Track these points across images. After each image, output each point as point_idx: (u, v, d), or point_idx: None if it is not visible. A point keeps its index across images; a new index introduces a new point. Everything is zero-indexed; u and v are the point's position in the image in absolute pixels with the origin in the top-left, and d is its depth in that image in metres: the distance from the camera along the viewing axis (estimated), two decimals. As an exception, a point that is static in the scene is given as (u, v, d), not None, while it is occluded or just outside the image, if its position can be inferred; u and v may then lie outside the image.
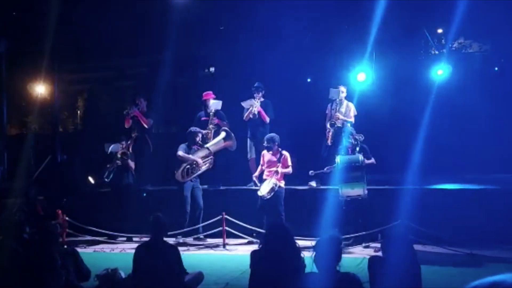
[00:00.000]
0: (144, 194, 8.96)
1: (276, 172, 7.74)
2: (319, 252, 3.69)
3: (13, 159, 10.66)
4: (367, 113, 9.06)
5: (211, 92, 9.18)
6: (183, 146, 8.39)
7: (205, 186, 9.04)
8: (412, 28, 9.75)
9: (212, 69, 11.60)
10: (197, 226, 8.15)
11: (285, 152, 7.90)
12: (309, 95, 10.07)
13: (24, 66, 11.85)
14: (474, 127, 9.18)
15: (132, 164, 8.82)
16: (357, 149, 7.50)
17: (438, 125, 8.77)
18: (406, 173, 8.20)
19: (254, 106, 8.83)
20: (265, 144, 7.96)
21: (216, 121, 8.97)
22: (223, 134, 8.57)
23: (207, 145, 8.45)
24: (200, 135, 8.49)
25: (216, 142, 8.55)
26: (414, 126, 8.54)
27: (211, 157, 8.43)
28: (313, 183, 8.61)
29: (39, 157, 10.75)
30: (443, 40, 9.73)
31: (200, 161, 8.30)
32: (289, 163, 7.89)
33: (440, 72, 8.76)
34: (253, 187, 8.51)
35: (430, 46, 9.81)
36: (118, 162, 8.70)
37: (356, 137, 7.58)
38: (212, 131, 8.90)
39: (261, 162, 8.08)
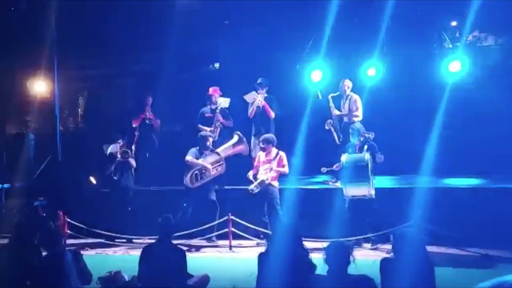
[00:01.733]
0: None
1: (271, 169, 7.64)
2: (329, 256, 3.69)
3: (12, 158, 10.47)
4: (377, 109, 8.87)
5: (218, 88, 9.00)
6: (193, 150, 8.13)
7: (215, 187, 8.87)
8: (424, 21, 9.58)
9: (216, 65, 11.45)
10: (209, 225, 7.95)
11: (281, 152, 7.80)
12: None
13: (23, 64, 11.67)
14: (490, 123, 8.94)
15: (133, 162, 8.60)
16: (365, 147, 7.30)
17: (453, 122, 8.57)
18: (419, 172, 8.05)
19: (257, 99, 8.61)
20: (260, 145, 7.88)
21: (220, 118, 8.74)
22: (235, 139, 8.35)
23: (218, 150, 8.18)
24: (210, 139, 8.22)
25: (227, 147, 8.30)
26: (427, 122, 8.33)
27: (222, 162, 8.14)
28: (328, 179, 8.57)
29: (39, 157, 10.57)
30: (457, 33, 9.52)
31: (209, 166, 8.03)
32: (285, 162, 7.78)
33: (454, 66, 8.49)
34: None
35: (444, 39, 9.59)
36: (120, 159, 8.48)
37: (366, 135, 7.39)
38: (218, 129, 8.69)
39: (256, 163, 7.96)
